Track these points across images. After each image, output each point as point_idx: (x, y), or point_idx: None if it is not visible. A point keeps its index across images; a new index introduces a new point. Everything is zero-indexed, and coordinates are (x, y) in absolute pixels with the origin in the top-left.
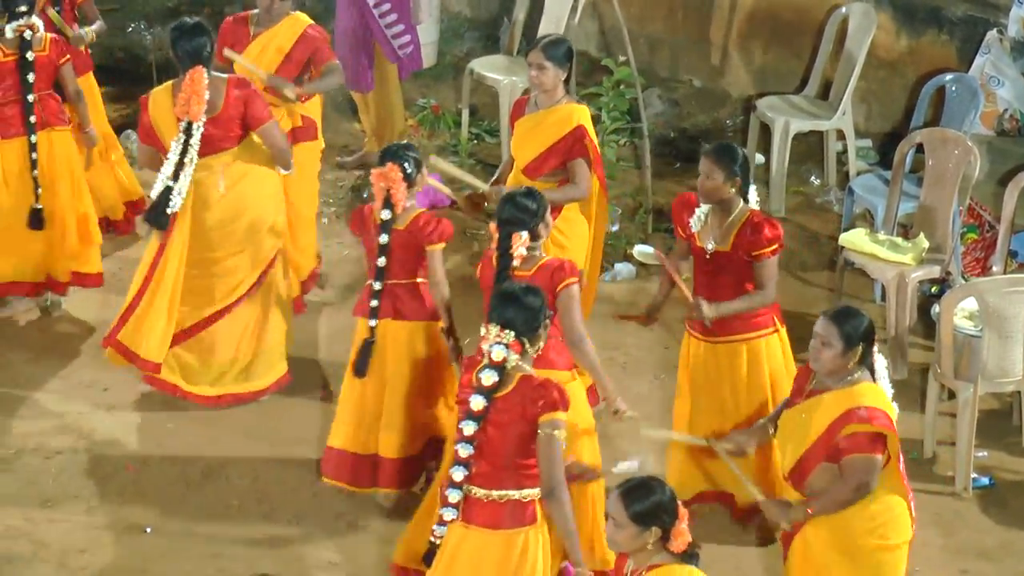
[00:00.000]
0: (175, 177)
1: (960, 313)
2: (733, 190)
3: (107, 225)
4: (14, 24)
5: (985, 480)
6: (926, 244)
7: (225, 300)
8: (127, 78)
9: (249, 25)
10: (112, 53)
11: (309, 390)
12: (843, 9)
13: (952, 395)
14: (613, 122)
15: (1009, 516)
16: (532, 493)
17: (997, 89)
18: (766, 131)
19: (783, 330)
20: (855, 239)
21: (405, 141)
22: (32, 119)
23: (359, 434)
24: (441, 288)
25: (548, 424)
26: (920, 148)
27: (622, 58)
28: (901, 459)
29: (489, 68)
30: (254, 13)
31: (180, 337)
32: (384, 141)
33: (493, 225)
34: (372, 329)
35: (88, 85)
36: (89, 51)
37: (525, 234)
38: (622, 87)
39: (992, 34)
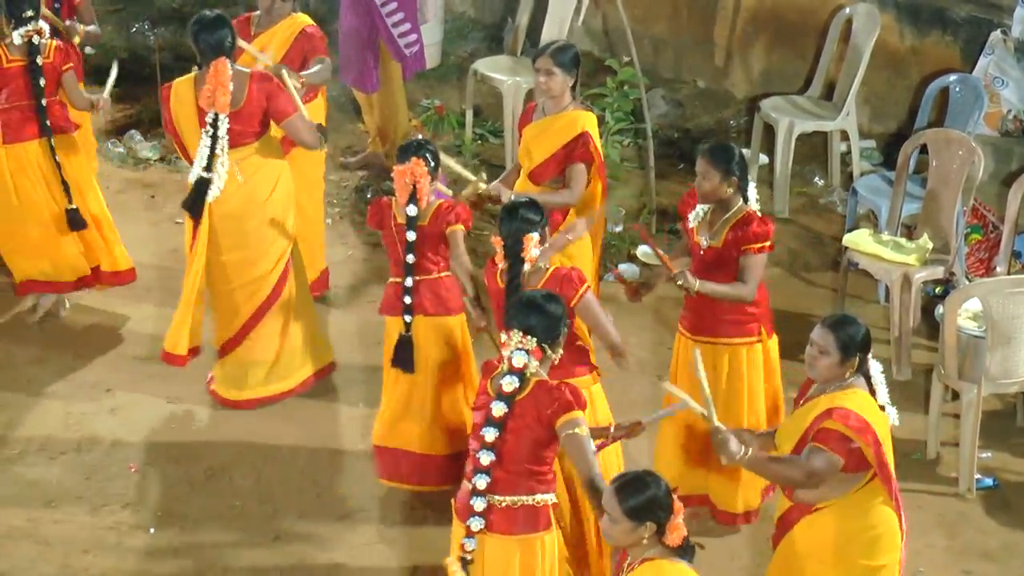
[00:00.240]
0: (209, 168)
1: (964, 314)
2: (731, 190)
3: None
4: (22, 30)
5: (989, 481)
6: (930, 245)
7: (250, 308)
8: (131, 79)
9: (251, 26)
10: (115, 54)
11: (316, 391)
12: (847, 10)
13: (956, 396)
14: (617, 123)
15: (1013, 517)
16: (545, 499)
17: (1001, 90)
18: (770, 132)
19: (771, 341)
20: (859, 240)
21: (420, 137)
22: (47, 123)
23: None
24: (463, 261)
25: (567, 425)
26: (924, 149)
27: (626, 59)
28: (893, 476)
29: (493, 69)
30: (256, 15)
31: (219, 354)
32: (388, 142)
33: (497, 239)
34: (408, 324)
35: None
36: (82, 56)
37: (536, 235)
38: (626, 88)
39: (996, 35)
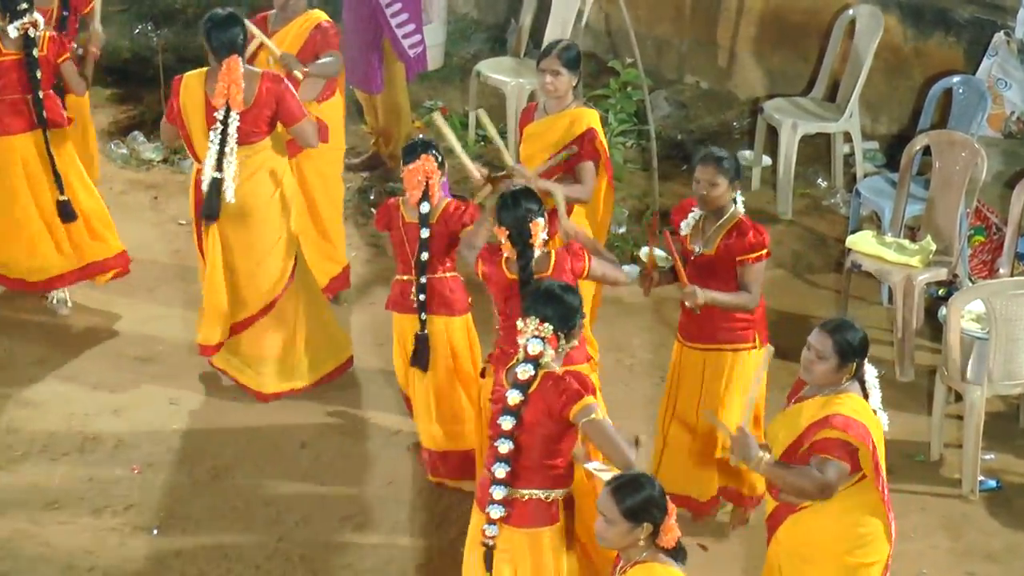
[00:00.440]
0: (219, 168)
1: (967, 316)
2: (731, 196)
3: None
4: (17, 23)
5: (992, 483)
6: (933, 246)
7: (258, 303)
8: (134, 80)
9: (267, 25)
10: (119, 55)
11: (319, 391)
12: (850, 11)
13: (959, 398)
14: (620, 124)
15: (1016, 519)
16: (555, 494)
17: (1004, 91)
18: (773, 133)
19: (761, 350)
20: (862, 241)
21: (423, 136)
22: (44, 116)
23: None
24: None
25: (582, 413)
26: (927, 150)
27: (629, 60)
28: (883, 478)
29: (496, 70)
30: (272, 13)
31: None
32: (391, 143)
33: (500, 228)
34: (423, 322)
35: (80, 105)
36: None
37: (542, 220)
38: (629, 89)
39: (999, 36)
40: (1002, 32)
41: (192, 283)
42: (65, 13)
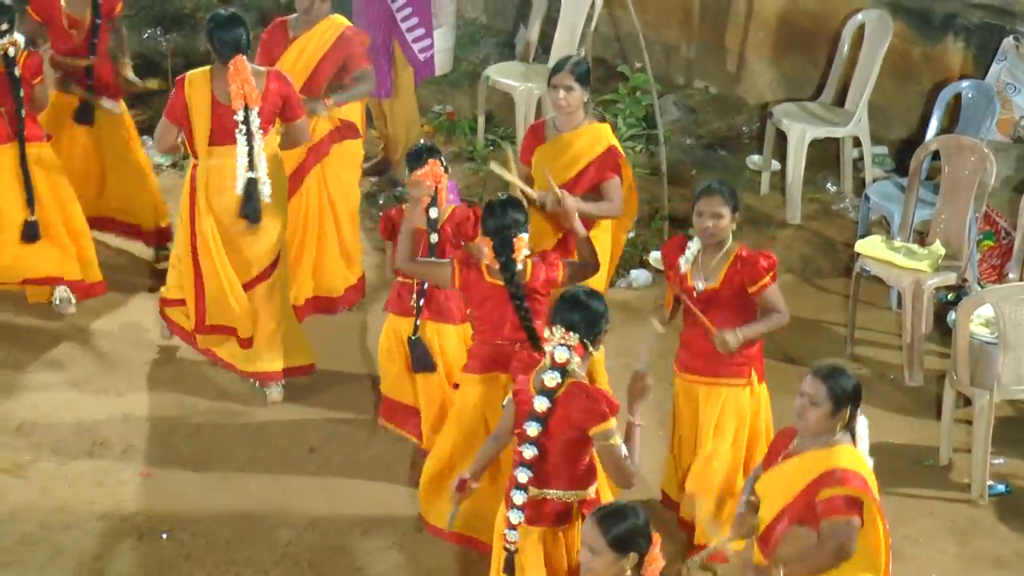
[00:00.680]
0: (252, 168)
1: (976, 320)
2: (732, 227)
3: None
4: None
5: (1001, 487)
6: (942, 251)
7: (242, 276)
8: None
9: (288, 30)
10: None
11: (326, 398)
12: (859, 16)
13: (968, 402)
14: (629, 128)
15: None
16: (572, 495)
17: (1013, 96)
18: (782, 138)
19: (761, 387)
20: (871, 246)
21: (425, 141)
22: (23, 132)
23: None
24: None
25: (601, 436)
26: (936, 155)
27: (638, 65)
28: (882, 525)
29: (505, 75)
30: (292, 18)
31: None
32: (400, 148)
33: (485, 237)
34: (416, 327)
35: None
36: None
37: (525, 236)
38: (638, 94)
39: (1008, 41)
40: (1011, 37)
41: None
42: (97, 20)
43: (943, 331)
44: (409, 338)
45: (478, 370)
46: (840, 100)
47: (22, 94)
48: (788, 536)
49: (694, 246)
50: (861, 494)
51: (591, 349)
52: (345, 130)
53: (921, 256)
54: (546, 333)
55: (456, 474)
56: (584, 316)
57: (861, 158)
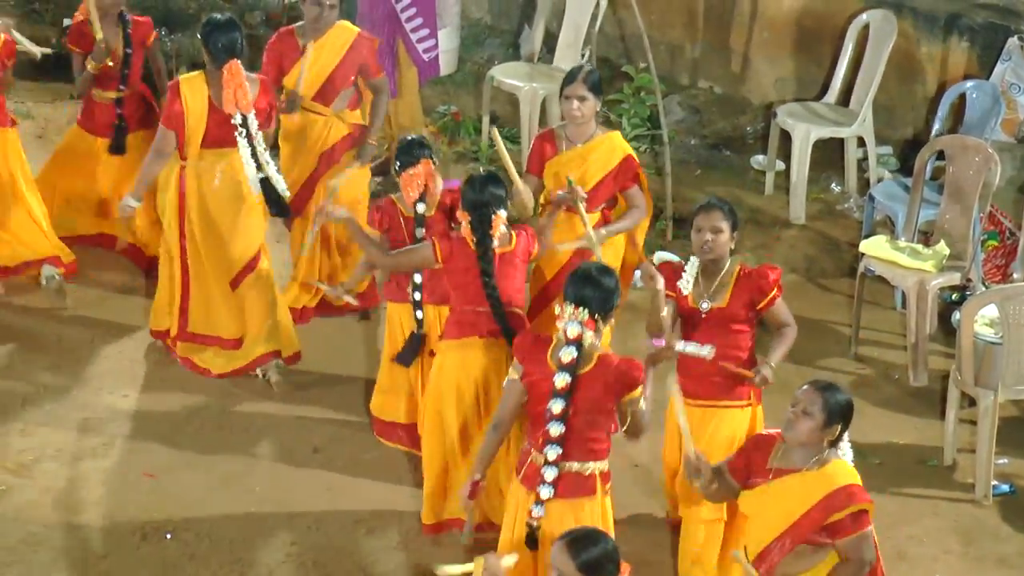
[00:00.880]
0: (260, 169)
1: (980, 320)
2: (731, 244)
3: None
4: None
5: (1005, 487)
6: (946, 251)
7: (226, 276)
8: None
9: (296, 37)
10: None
11: (329, 398)
12: (864, 16)
13: (972, 402)
14: (633, 129)
15: None
16: (594, 467)
17: (1018, 96)
18: (786, 138)
19: (758, 407)
20: (876, 246)
21: (413, 136)
22: None
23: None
24: None
25: (632, 402)
26: (941, 155)
27: (642, 65)
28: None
29: (510, 75)
30: (299, 26)
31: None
32: None
33: (462, 212)
34: (419, 322)
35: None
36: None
37: (503, 212)
38: (642, 94)
39: (1013, 41)
40: (1016, 37)
41: None
42: (128, 50)
43: (947, 331)
44: (413, 333)
45: (456, 335)
46: (845, 100)
47: None
48: (792, 556)
49: (692, 266)
50: (868, 505)
51: (602, 324)
52: (359, 136)
53: (925, 256)
54: (557, 310)
55: (455, 467)
56: (595, 292)
57: (865, 158)
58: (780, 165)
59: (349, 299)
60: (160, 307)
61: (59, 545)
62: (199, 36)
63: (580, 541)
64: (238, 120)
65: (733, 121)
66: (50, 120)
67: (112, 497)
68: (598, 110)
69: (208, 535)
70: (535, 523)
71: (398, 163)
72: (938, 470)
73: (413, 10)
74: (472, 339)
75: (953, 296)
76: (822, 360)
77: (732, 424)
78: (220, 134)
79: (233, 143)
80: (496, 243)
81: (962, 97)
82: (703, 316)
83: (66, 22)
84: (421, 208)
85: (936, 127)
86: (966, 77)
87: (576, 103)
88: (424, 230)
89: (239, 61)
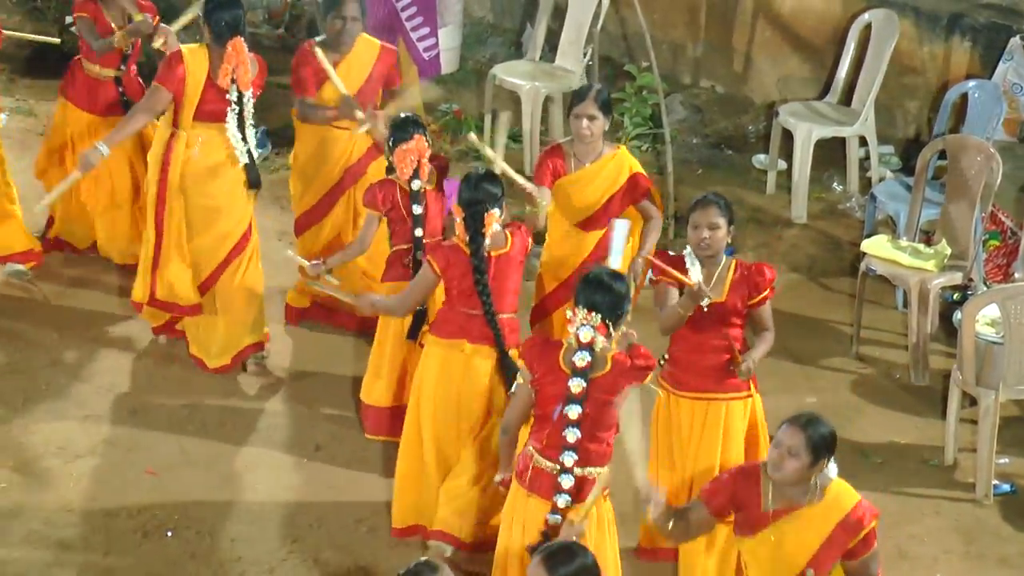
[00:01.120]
0: (245, 141)
1: (982, 320)
2: (728, 239)
3: None
4: None
5: (1006, 487)
6: (948, 251)
7: (209, 268)
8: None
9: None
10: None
11: (331, 396)
12: (866, 16)
13: (974, 402)
14: (635, 128)
15: None
16: (595, 472)
17: (1020, 96)
18: (788, 137)
19: (756, 398)
20: (877, 245)
21: (406, 115)
22: None
23: (398, 390)
24: None
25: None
26: (943, 155)
27: (644, 64)
28: None
29: (512, 74)
30: (321, 40)
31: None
32: None
33: (457, 207)
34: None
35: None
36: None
37: (497, 211)
38: (644, 93)
39: (1015, 41)
40: (1018, 36)
41: None
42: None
43: (949, 331)
44: (418, 309)
45: (444, 334)
46: (847, 100)
47: None
48: None
49: (691, 260)
50: (875, 522)
51: (613, 330)
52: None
53: (927, 256)
54: (568, 314)
55: (424, 473)
56: (606, 298)
57: (867, 157)
58: (782, 164)
59: (330, 279)
60: (142, 273)
61: (60, 543)
62: (201, 14)
63: (557, 556)
64: (233, 96)
65: (735, 120)
66: (52, 118)
67: (113, 495)
68: (606, 129)
69: (209, 533)
70: (550, 532)
71: (391, 140)
72: (939, 469)
73: (413, 9)
74: (460, 342)
75: (954, 296)
76: (823, 359)
77: (736, 416)
78: (213, 108)
79: (223, 119)
80: (489, 242)
81: (964, 97)
82: (704, 310)
83: (68, 19)
84: (416, 185)
85: (938, 127)
86: (968, 77)
87: (586, 122)
88: (420, 207)
89: (242, 39)
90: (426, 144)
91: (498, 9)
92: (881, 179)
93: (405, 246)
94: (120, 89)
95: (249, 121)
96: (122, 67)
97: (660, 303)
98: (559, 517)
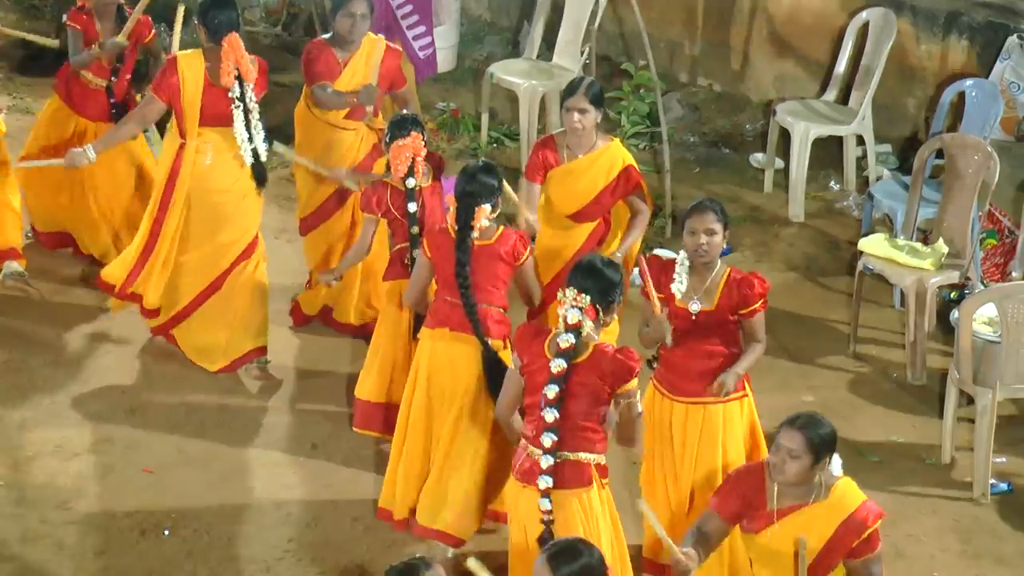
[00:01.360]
0: (252, 140)
1: (979, 319)
2: (724, 245)
3: None
4: None
5: (1003, 486)
6: (945, 249)
7: (211, 275)
8: (147, 80)
9: (333, 51)
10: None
11: (328, 395)
12: (863, 14)
13: (971, 401)
14: (632, 126)
15: None
16: (590, 457)
17: (1017, 95)
18: (786, 136)
19: (750, 397)
20: (874, 244)
21: (404, 112)
22: None
23: (389, 386)
24: None
25: (625, 395)
26: (940, 153)
27: (642, 62)
28: None
29: (509, 72)
30: (326, 38)
31: (180, 316)
32: None
33: (451, 197)
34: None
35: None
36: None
37: (488, 207)
38: (642, 91)
39: (1012, 40)
40: (1015, 35)
41: None
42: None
43: (946, 329)
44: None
45: (431, 324)
46: (844, 98)
47: None
48: None
49: (683, 268)
50: (879, 522)
51: (603, 315)
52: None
53: (924, 254)
54: (559, 295)
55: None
56: (597, 283)
57: (865, 156)
58: (779, 163)
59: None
60: (123, 262)
61: (57, 541)
62: (196, 17)
63: (561, 554)
64: (236, 93)
65: (732, 119)
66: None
67: (110, 493)
68: (599, 121)
69: (206, 531)
70: (548, 518)
71: (388, 136)
72: (936, 468)
73: (409, 7)
74: (443, 331)
75: (952, 294)
76: (820, 358)
77: (735, 417)
78: (217, 111)
79: (230, 122)
80: (476, 234)
81: (961, 95)
82: (693, 318)
83: (64, 18)
84: (411, 183)
85: (935, 125)
86: (965, 75)
87: (577, 115)
88: (415, 204)
89: (237, 35)
90: (422, 142)
91: (495, 8)
92: (878, 178)
93: (405, 244)
94: (112, 100)
95: (255, 119)
96: (113, 78)
97: (645, 317)
98: (547, 501)
